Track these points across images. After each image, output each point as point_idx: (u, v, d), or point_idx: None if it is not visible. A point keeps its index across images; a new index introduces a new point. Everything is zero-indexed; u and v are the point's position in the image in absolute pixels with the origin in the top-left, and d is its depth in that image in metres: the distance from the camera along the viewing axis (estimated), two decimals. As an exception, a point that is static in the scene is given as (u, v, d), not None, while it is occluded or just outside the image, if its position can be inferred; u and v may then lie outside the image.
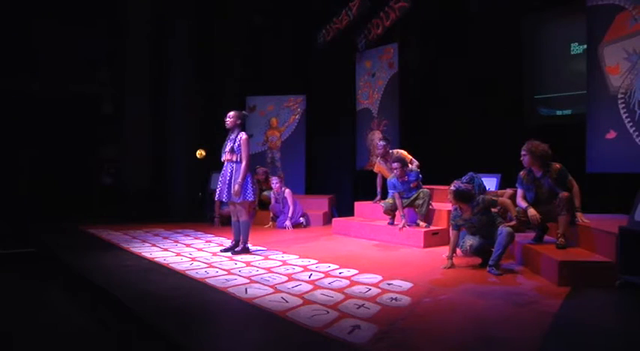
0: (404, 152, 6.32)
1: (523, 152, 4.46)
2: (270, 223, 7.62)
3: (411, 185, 5.96)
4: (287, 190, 7.45)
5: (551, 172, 4.38)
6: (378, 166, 6.72)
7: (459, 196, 4.47)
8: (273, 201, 7.58)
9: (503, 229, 4.31)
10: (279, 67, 9.79)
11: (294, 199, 7.51)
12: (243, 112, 5.41)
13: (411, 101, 8.02)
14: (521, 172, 4.55)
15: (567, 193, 4.28)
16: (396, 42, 8.10)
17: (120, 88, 9.46)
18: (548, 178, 4.38)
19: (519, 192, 4.56)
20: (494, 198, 4.60)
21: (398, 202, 5.93)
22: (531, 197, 4.48)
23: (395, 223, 6.17)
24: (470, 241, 4.50)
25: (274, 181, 7.51)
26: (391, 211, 6.16)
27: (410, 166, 6.07)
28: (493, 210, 4.57)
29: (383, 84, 8.35)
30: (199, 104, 9.53)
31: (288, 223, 7.32)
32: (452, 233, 4.62)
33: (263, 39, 9.76)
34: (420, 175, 6.05)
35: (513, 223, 4.45)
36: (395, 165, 5.92)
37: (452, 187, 4.52)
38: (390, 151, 6.51)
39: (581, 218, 4.39)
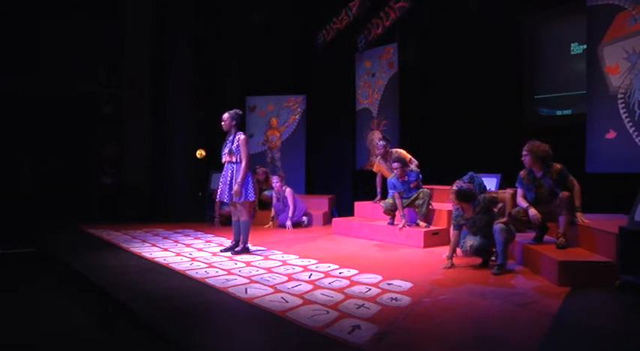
0: (403, 152, 6.33)
1: (524, 152, 4.46)
2: (270, 222, 7.61)
3: (411, 185, 5.97)
4: (288, 190, 7.44)
5: (552, 172, 4.38)
6: (378, 166, 6.72)
7: (461, 196, 4.46)
8: (274, 200, 7.57)
9: (496, 227, 4.31)
10: (279, 67, 9.79)
11: (296, 198, 7.50)
12: (237, 111, 5.37)
13: (411, 101, 8.02)
14: (522, 172, 4.55)
15: (567, 193, 4.28)
16: (395, 42, 8.10)
17: (120, 88, 9.46)
18: (549, 178, 4.38)
19: (519, 192, 4.56)
20: (494, 196, 4.58)
21: (398, 202, 5.93)
22: (531, 197, 4.47)
23: (395, 223, 6.17)
24: (470, 241, 4.50)
25: (275, 180, 7.50)
26: (391, 211, 6.16)
27: (410, 166, 6.08)
28: (494, 209, 4.57)
29: (383, 84, 8.35)
30: (199, 104, 9.53)
31: (288, 222, 7.32)
32: (453, 233, 4.61)
33: (263, 39, 9.76)
34: (420, 176, 6.06)
35: (504, 219, 4.39)
36: (395, 165, 5.92)
37: (454, 187, 4.51)
38: (390, 150, 6.52)
39: (581, 218, 4.39)
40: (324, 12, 8.99)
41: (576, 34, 6.45)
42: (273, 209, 7.62)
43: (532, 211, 4.36)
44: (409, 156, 6.30)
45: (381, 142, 6.63)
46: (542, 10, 7.00)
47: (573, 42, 6.64)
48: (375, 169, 6.81)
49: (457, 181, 4.60)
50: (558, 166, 4.40)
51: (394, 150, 6.49)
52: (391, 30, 8.05)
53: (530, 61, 7.16)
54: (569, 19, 6.66)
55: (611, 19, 5.40)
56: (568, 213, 4.30)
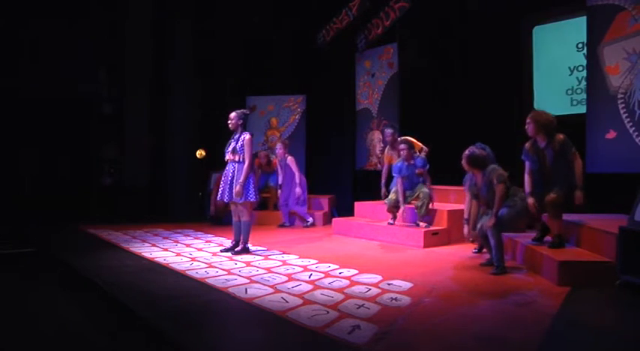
0: (413, 139, 6.28)
1: (527, 121, 4.42)
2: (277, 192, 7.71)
3: (417, 171, 5.92)
4: (290, 158, 7.46)
5: (555, 142, 4.33)
6: (388, 156, 6.68)
7: (472, 161, 4.41)
8: (280, 178, 7.52)
9: (487, 231, 4.30)
10: (279, 67, 9.79)
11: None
12: (244, 110, 5.41)
13: (411, 101, 8.02)
14: (527, 144, 4.52)
15: (553, 197, 4.24)
16: (395, 42, 8.11)
17: (120, 88, 9.46)
18: (551, 149, 4.34)
19: (526, 166, 4.51)
20: (494, 180, 4.34)
21: (400, 188, 5.89)
22: (536, 169, 4.43)
23: (395, 223, 6.16)
24: (480, 223, 4.49)
25: (278, 147, 7.53)
26: (394, 208, 6.12)
27: (418, 153, 6.05)
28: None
29: (383, 84, 8.35)
30: (199, 104, 9.53)
31: (297, 189, 7.33)
32: (472, 203, 4.55)
33: (263, 39, 9.76)
34: (428, 165, 6.01)
35: (492, 221, 4.29)
36: (402, 146, 5.91)
37: (466, 152, 4.47)
38: (399, 138, 6.46)
39: (579, 198, 4.20)
40: (324, 12, 8.99)
41: (576, 34, 6.44)
42: (279, 199, 7.69)
43: (530, 201, 4.36)
44: (420, 144, 6.29)
45: (389, 130, 6.57)
46: (542, 9, 7.00)
47: (573, 42, 6.64)
48: (385, 160, 6.77)
49: (470, 147, 4.54)
50: (561, 136, 4.34)
51: (403, 138, 6.44)
52: (391, 30, 8.05)
53: (529, 60, 7.16)
54: (570, 19, 6.66)
55: (611, 19, 5.40)
56: (554, 217, 4.29)
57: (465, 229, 4.72)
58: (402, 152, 5.92)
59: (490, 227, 4.28)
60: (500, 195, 4.27)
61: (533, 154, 4.46)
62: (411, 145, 5.91)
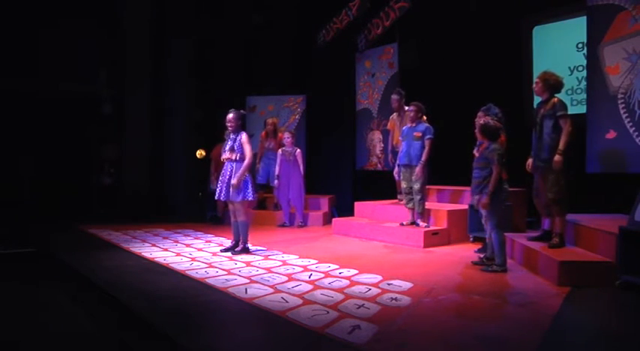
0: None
1: (536, 80, 4.46)
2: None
3: (415, 134, 5.84)
4: (298, 151, 7.49)
5: (549, 103, 4.33)
6: (392, 122, 6.65)
7: (484, 131, 4.43)
8: (277, 169, 7.47)
9: (488, 224, 4.38)
10: (279, 67, 9.79)
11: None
12: (241, 111, 5.40)
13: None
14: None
15: (552, 197, 4.24)
16: (395, 42, 8.11)
17: (120, 88, 9.46)
18: (543, 109, 4.35)
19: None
20: (494, 159, 4.31)
21: (402, 147, 5.93)
22: (534, 132, 4.45)
23: (405, 223, 6.09)
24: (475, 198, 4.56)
25: (286, 136, 7.51)
26: (409, 196, 5.91)
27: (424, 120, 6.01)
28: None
29: (383, 84, 8.35)
30: (199, 104, 9.53)
31: (301, 181, 7.38)
32: None
33: (263, 39, 9.76)
34: (431, 136, 5.82)
35: (486, 201, 4.28)
36: (410, 108, 5.89)
37: (481, 121, 4.51)
38: (407, 108, 6.34)
39: (557, 163, 4.18)
40: (324, 12, 8.99)
41: (576, 34, 6.44)
42: (275, 197, 7.67)
43: (528, 162, 4.44)
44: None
45: (395, 96, 6.48)
46: (542, 10, 7.00)
47: (573, 42, 6.64)
48: (388, 126, 6.75)
49: (486, 116, 4.64)
50: (556, 99, 4.33)
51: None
52: (391, 30, 8.04)
53: (529, 61, 7.16)
54: (570, 19, 6.65)
55: (612, 19, 5.39)
56: (560, 214, 4.29)
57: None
58: (410, 113, 5.87)
59: (485, 208, 4.32)
60: (495, 175, 4.28)
61: (534, 115, 4.48)
62: (420, 109, 5.85)
